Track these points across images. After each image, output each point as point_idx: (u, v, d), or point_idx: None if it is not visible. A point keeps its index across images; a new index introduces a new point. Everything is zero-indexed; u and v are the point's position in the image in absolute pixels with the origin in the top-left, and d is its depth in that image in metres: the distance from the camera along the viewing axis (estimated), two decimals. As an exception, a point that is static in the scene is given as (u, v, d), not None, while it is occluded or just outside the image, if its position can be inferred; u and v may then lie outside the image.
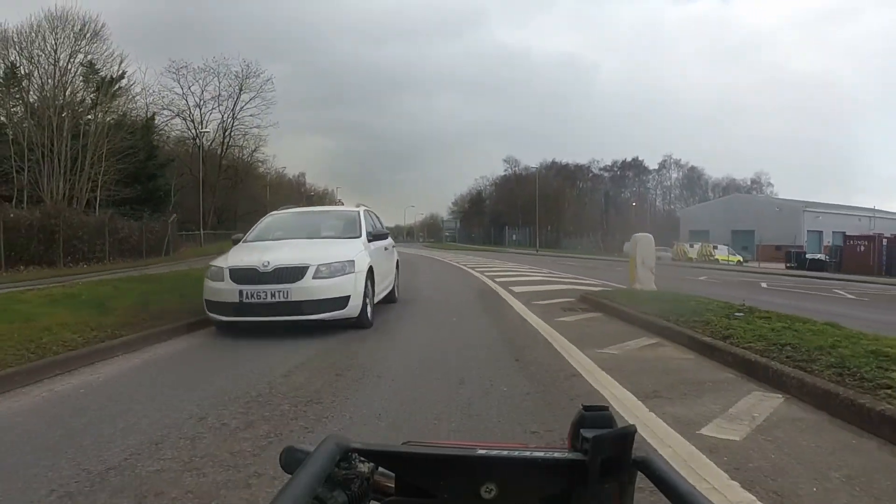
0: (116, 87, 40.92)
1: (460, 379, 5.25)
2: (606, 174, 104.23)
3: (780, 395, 4.60)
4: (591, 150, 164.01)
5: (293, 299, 7.54)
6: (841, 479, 3.06)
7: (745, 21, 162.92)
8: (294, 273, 7.61)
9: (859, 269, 35.59)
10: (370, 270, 8.49)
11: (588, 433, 0.77)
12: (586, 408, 0.82)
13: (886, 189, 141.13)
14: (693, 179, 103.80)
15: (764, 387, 4.86)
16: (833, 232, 61.45)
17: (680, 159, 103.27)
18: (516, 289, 13.63)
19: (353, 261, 8.07)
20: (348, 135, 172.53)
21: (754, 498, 2.83)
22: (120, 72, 41.29)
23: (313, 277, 7.65)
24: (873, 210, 72.70)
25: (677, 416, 4.08)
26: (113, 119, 39.06)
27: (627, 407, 4.32)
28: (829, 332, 6.44)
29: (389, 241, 11.33)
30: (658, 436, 3.71)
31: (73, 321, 7.24)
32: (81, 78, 39.33)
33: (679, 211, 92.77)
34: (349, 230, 9.53)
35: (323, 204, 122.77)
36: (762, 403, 4.44)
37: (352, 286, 7.90)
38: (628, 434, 0.76)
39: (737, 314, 7.73)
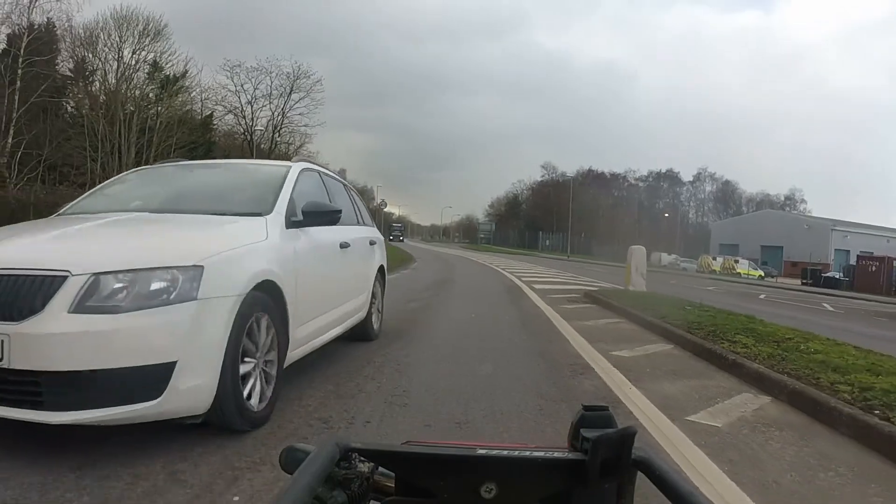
0: (178, 84, 45.16)
1: (490, 329, 8.68)
2: (641, 184, 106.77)
3: (672, 346, 7.97)
4: (627, 159, 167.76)
5: (14, 366, 2.99)
6: (671, 372, 6.43)
7: (786, 33, 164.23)
8: (21, 293, 3.08)
9: (869, 288, 38.35)
10: (271, 290, 4.05)
11: (588, 433, 0.80)
12: (586, 408, 0.84)
13: None
14: (727, 193, 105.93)
15: (670, 343, 8.19)
16: (861, 251, 61.98)
17: (714, 172, 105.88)
18: (537, 286, 17.01)
19: (200, 266, 3.41)
20: (388, 132, 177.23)
21: (626, 378, 6.18)
22: (183, 70, 45.68)
23: (73, 309, 3.06)
24: None
25: (607, 350, 7.38)
26: (177, 114, 43.18)
27: (580, 345, 7.66)
28: (741, 320, 9.66)
29: (365, 232, 7.17)
30: (592, 357, 7.02)
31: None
32: (146, 75, 43.58)
33: (711, 224, 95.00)
34: (257, 202, 4.75)
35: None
36: (660, 348, 7.81)
37: (184, 336, 3.27)
38: (628, 434, 0.78)
39: (686, 307, 11.04)
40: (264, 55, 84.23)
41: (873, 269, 41.84)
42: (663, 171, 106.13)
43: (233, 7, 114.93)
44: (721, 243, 79.34)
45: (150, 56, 43.40)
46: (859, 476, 3.65)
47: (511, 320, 9.93)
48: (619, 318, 10.64)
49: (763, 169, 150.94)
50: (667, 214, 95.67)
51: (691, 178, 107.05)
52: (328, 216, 5.04)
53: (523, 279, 19.88)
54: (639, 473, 0.81)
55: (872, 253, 52.62)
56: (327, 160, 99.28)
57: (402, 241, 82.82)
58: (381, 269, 7.59)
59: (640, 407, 4.84)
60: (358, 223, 6.99)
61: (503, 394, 5.01)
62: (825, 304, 23.08)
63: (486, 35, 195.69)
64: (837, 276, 44.14)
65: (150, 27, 43.24)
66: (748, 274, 52.79)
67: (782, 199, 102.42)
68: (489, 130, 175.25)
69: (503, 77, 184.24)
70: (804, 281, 44.49)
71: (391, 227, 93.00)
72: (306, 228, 4.83)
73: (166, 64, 43.90)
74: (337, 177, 6.98)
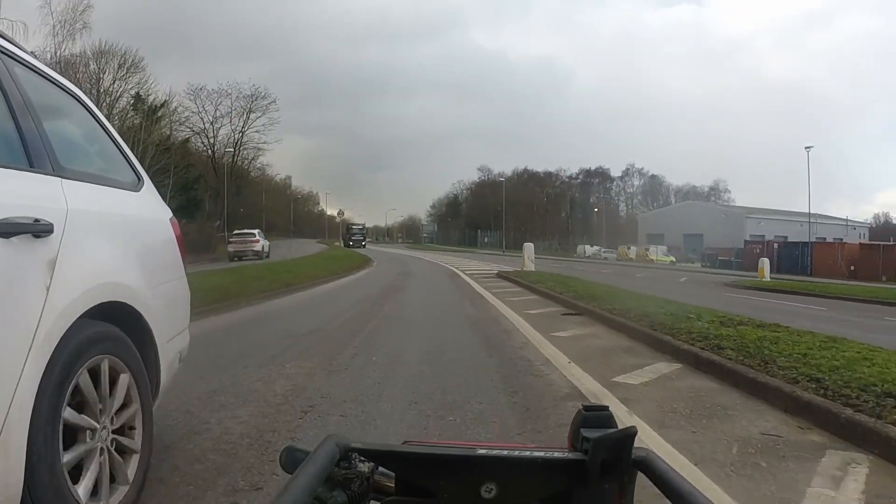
0: (160, 112, 52.59)
1: (435, 291, 17.00)
2: (574, 181, 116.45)
3: (533, 294, 16.44)
4: (562, 155, 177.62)
5: None
6: (524, 301, 14.86)
7: (718, 27, 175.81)
8: None
9: (753, 267, 47.67)
10: None
11: (588, 433, 0.82)
12: (586, 408, 0.87)
13: (856, 194, 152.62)
14: (654, 186, 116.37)
15: (532, 294, 16.59)
16: (775, 235, 69.84)
17: (642, 167, 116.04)
18: (468, 272, 25.46)
19: None
20: (328, 135, 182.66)
21: (499, 300, 14.51)
22: (162, 100, 53.15)
23: None
24: (815, 216, 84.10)
25: (495, 293, 15.68)
26: (159, 140, 50.57)
27: (481, 292, 15.97)
28: (573, 282, 18.22)
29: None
30: (486, 296, 15.30)
31: (312, 271, 18.95)
32: (131, 106, 50.87)
33: (638, 216, 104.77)
34: None
35: (307, 209, 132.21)
36: (526, 295, 16.27)
37: None
38: (629, 435, 0.80)
39: (548, 278, 19.54)
40: (205, 66, 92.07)
41: (757, 251, 51.46)
42: (593, 168, 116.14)
43: (164, 12, 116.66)
44: (648, 233, 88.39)
45: (132, 89, 50.72)
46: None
47: (449, 284, 18.41)
48: (509, 283, 19.14)
49: (689, 161, 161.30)
50: (596, 209, 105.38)
51: (620, 174, 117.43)
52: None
53: (459, 268, 28.39)
54: (639, 473, 0.82)
55: (787, 237, 61.21)
56: (276, 168, 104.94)
57: (363, 246, 74.96)
58: (117, 312, 2.86)
59: (498, 307, 13.14)
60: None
61: (449, 307, 13.35)
62: (682, 279, 32.15)
63: (422, 36, 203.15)
64: (730, 259, 53.73)
65: (127, 60, 50.69)
66: (659, 260, 62.28)
67: (707, 189, 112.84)
68: (428, 131, 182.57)
69: (441, 77, 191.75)
70: (703, 264, 54.24)
71: (350, 231, 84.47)
72: None
73: (147, 95, 51.17)
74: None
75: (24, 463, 2.10)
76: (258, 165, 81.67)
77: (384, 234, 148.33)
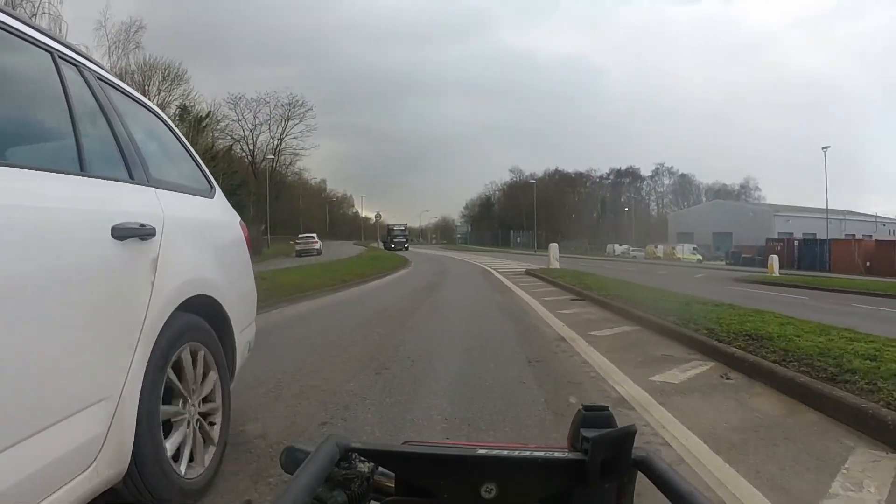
0: (205, 123, 56.54)
1: (470, 285, 20.17)
2: (605, 181, 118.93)
3: (553, 287, 19.54)
4: (593, 154, 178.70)
5: None
6: (548, 293, 17.98)
7: (744, 21, 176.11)
8: None
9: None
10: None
11: (588, 433, 0.83)
12: (586, 408, 0.87)
13: (891, 190, 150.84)
14: (684, 185, 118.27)
15: (553, 287, 19.69)
16: (804, 233, 69.60)
17: (672, 167, 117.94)
18: (500, 270, 28.62)
19: None
20: (357, 137, 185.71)
21: (526, 293, 17.63)
22: (206, 110, 57.11)
23: None
24: (844, 212, 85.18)
25: (532, 290, 18.80)
26: (205, 148, 54.41)
27: (511, 289, 19.11)
28: (592, 278, 21.30)
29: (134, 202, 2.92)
30: (523, 297, 18.42)
31: (361, 270, 22.30)
32: (177, 117, 54.76)
33: (669, 215, 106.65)
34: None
35: (342, 211, 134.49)
36: (548, 288, 19.39)
37: None
38: (628, 434, 0.82)
39: (571, 274, 22.60)
40: (235, 71, 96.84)
41: (778, 248, 53.94)
42: (624, 168, 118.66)
43: (191, 18, 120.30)
44: (678, 232, 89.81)
45: (176, 101, 54.65)
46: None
47: (482, 280, 21.59)
48: (535, 279, 22.27)
49: (720, 160, 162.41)
50: (626, 209, 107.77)
51: (650, 174, 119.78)
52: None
53: (491, 267, 31.63)
54: (639, 473, 0.83)
55: (815, 234, 62.84)
56: (310, 172, 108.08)
57: (406, 248, 72.10)
58: (203, 305, 3.33)
59: (521, 296, 16.24)
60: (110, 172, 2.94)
61: (482, 295, 16.54)
62: (698, 275, 34.94)
63: (452, 37, 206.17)
64: (753, 257, 56.23)
65: (169, 73, 54.71)
66: (686, 258, 64.76)
67: (737, 188, 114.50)
68: (459, 132, 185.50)
69: (470, 78, 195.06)
70: (727, 261, 56.87)
71: (391, 233, 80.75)
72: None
73: (192, 106, 55.09)
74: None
75: (134, 428, 2.48)
76: (295, 170, 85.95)
77: (418, 235, 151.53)
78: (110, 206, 2.67)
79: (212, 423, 3.35)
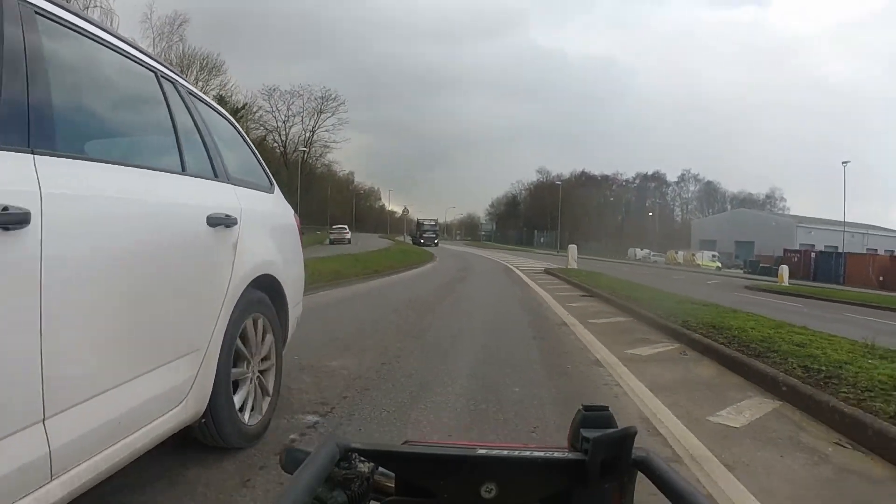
0: (241, 114, 58.70)
1: (492, 281, 22.09)
2: (630, 185, 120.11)
3: (568, 285, 21.38)
4: (620, 157, 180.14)
5: None
6: (563, 290, 19.83)
7: (777, 30, 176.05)
8: None
9: (792, 275, 51.58)
10: None
11: (588, 433, 0.84)
12: (586, 408, 0.89)
13: None
14: (709, 193, 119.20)
15: (567, 285, 21.52)
16: (826, 246, 71.16)
17: (698, 173, 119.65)
18: (522, 268, 30.52)
19: None
20: (386, 133, 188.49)
21: (543, 290, 19.47)
22: (243, 102, 59.35)
23: None
24: (867, 226, 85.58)
25: (547, 286, 20.66)
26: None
27: (529, 285, 20.97)
28: (604, 279, 23.09)
29: (216, 194, 3.52)
30: (539, 292, 20.28)
31: (390, 262, 24.28)
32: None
33: (692, 221, 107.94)
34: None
35: (368, 204, 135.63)
36: (561, 285, 21.22)
37: None
38: (628, 435, 0.83)
39: (586, 275, 24.40)
40: (266, 63, 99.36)
41: (795, 259, 55.41)
42: (650, 172, 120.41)
43: (227, 10, 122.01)
44: (701, 239, 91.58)
45: (213, 91, 56.79)
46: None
47: (504, 276, 23.50)
48: (552, 277, 24.13)
49: (746, 168, 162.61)
50: (650, 213, 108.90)
51: (676, 179, 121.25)
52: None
53: (513, 265, 33.60)
54: (639, 473, 0.84)
55: (837, 248, 63.78)
56: (339, 164, 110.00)
57: (436, 244, 69.77)
58: (266, 282, 3.97)
59: (538, 291, 18.09)
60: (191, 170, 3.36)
61: (502, 289, 18.42)
62: (711, 281, 36.57)
63: (482, 35, 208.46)
64: (772, 266, 57.60)
65: (207, 63, 57.01)
66: (705, 265, 66.19)
67: (763, 197, 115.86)
68: (487, 130, 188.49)
69: (500, 77, 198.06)
70: (745, 270, 58.40)
71: (421, 227, 78.29)
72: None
73: (229, 96, 57.34)
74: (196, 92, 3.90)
75: (214, 376, 3.20)
76: (325, 162, 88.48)
77: (443, 231, 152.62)
78: (204, 199, 3.29)
79: (266, 379, 4.06)
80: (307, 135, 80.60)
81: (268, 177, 4.74)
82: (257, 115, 73.04)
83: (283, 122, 78.66)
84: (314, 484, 0.74)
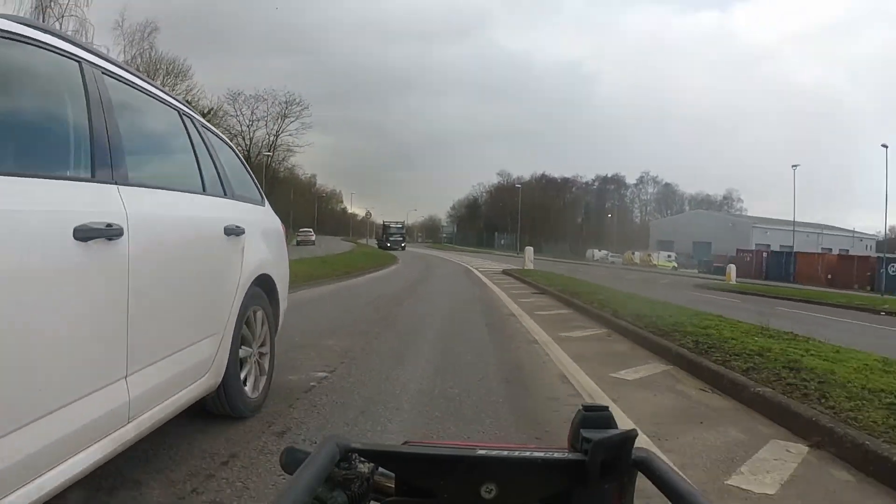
0: (208, 118, 59.37)
1: (453, 281, 23.74)
2: (590, 187, 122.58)
3: (523, 284, 23.11)
4: (580, 160, 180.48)
5: None
6: (513, 287, 21.57)
7: (739, 36, 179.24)
8: None
9: (745, 274, 53.86)
10: None
11: (588, 434, 0.84)
12: (586, 408, 0.89)
13: (877, 205, 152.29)
14: (667, 194, 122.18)
15: (522, 284, 23.24)
16: (781, 245, 72.85)
17: (657, 175, 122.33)
18: (481, 269, 32.21)
19: None
20: (350, 133, 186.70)
21: (498, 287, 21.17)
22: (209, 108, 60.22)
23: None
24: (822, 227, 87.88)
25: (503, 285, 22.30)
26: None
27: (487, 285, 22.63)
28: (571, 280, 24.88)
29: (227, 209, 4.36)
30: (495, 291, 21.96)
31: (356, 264, 25.79)
32: (181, 112, 57.86)
33: (650, 222, 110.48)
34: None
35: (330, 206, 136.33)
36: (514, 283, 22.95)
37: None
38: (629, 436, 0.83)
39: (540, 275, 26.18)
40: (232, 61, 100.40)
41: (748, 259, 58.08)
42: (610, 175, 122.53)
43: (194, 8, 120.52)
44: (659, 240, 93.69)
45: (180, 96, 57.36)
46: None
47: (464, 277, 25.17)
48: (509, 277, 25.84)
49: (704, 171, 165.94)
50: (609, 215, 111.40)
51: (635, 181, 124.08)
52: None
53: (473, 266, 35.42)
54: (639, 473, 0.85)
55: (792, 247, 65.74)
56: (301, 166, 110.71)
57: (403, 248, 69.39)
58: (263, 280, 4.73)
59: (494, 290, 19.75)
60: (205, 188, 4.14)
61: (461, 288, 20.07)
62: (663, 280, 38.69)
63: (448, 37, 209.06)
64: (724, 266, 60.16)
65: (174, 68, 57.82)
66: (661, 265, 68.61)
67: (720, 198, 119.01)
68: (450, 132, 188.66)
69: (466, 78, 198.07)
70: (700, 270, 61.00)
71: (387, 230, 77.91)
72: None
73: (196, 101, 58.05)
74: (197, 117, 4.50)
75: (228, 356, 3.95)
76: (288, 166, 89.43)
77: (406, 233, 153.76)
78: (220, 213, 4.09)
79: (263, 361, 4.81)
80: (271, 139, 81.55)
81: (259, 192, 5.44)
82: (221, 119, 73.65)
83: (248, 126, 79.41)
84: (314, 484, 0.75)
